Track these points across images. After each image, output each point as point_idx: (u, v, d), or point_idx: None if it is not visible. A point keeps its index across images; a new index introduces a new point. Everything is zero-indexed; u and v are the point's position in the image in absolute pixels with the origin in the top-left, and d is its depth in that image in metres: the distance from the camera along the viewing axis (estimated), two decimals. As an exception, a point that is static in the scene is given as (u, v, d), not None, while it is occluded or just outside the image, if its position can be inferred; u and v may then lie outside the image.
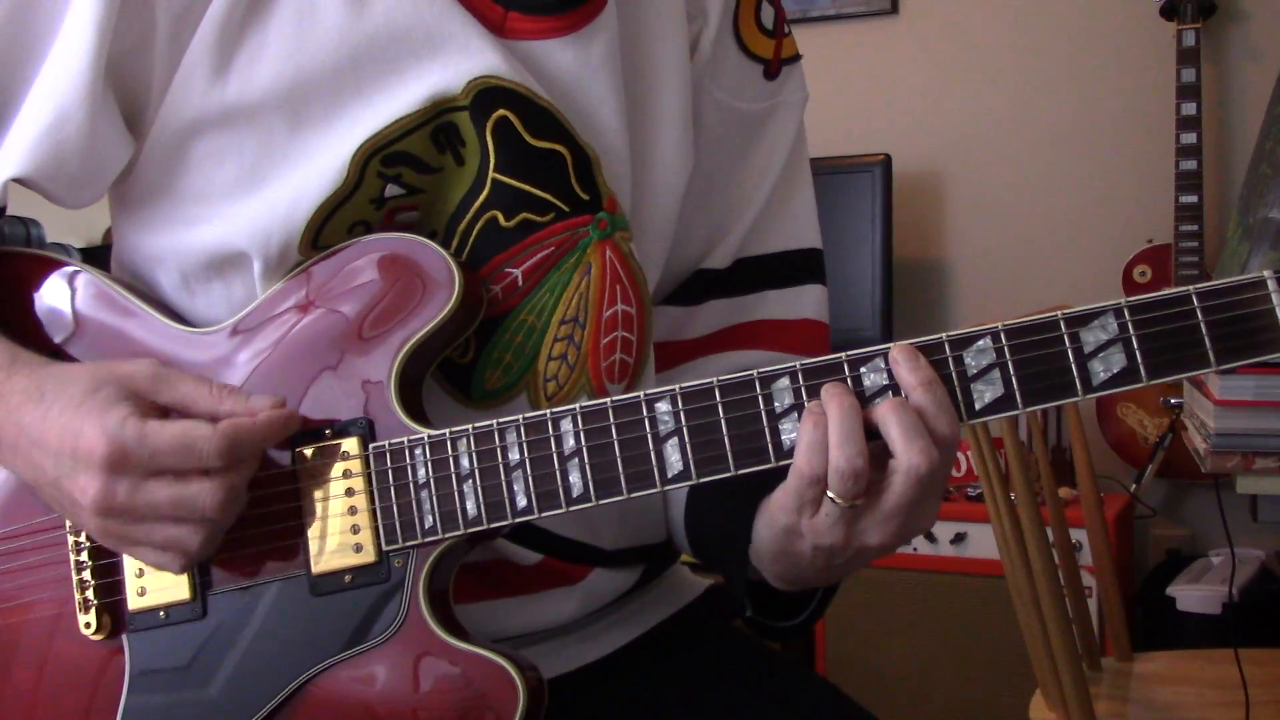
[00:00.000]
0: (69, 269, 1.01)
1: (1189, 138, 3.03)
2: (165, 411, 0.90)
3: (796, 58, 1.18)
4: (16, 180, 0.97)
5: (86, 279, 1.01)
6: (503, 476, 0.90)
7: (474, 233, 0.98)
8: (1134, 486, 3.02)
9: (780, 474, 0.89)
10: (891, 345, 0.86)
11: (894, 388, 0.85)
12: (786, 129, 1.17)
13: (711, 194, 1.14)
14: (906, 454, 0.83)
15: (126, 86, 0.95)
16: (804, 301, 1.17)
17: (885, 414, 0.84)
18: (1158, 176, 3.14)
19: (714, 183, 1.14)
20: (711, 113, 1.13)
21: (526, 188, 0.98)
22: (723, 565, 1.02)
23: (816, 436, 0.84)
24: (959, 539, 2.94)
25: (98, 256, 1.04)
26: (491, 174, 0.98)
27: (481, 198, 0.98)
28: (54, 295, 1.01)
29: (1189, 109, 3.03)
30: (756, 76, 1.15)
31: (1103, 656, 2.24)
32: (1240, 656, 1.99)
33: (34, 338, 0.99)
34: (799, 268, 1.18)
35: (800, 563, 0.90)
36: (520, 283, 0.99)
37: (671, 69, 1.08)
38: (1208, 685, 2.08)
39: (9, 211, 1.01)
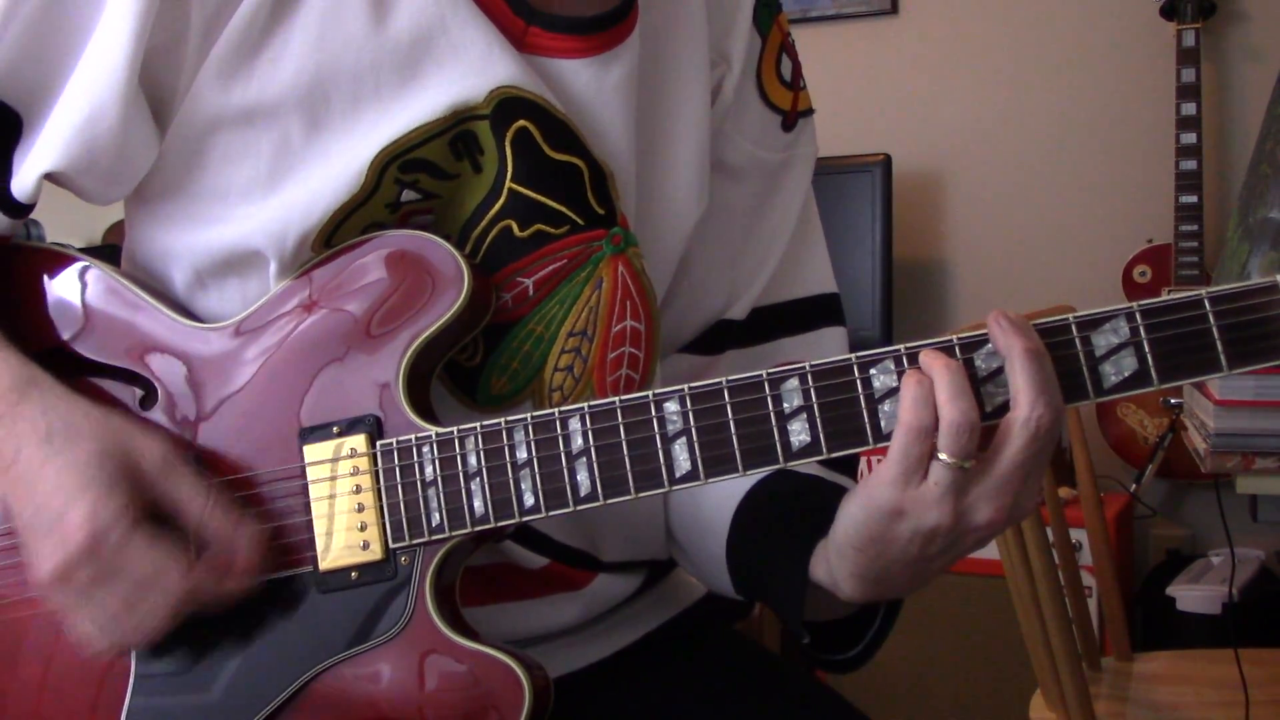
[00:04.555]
0: (77, 263, 1.01)
1: (1189, 138, 3.03)
2: (158, 510, 0.89)
3: (810, 111, 1.19)
4: (48, 176, 0.97)
5: (94, 273, 1.01)
6: (510, 475, 0.90)
7: (487, 240, 0.98)
8: (1134, 486, 3.02)
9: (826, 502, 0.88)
10: (901, 346, 0.86)
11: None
12: (801, 182, 1.18)
13: (733, 246, 1.15)
14: (1033, 405, 0.81)
15: (155, 83, 0.95)
16: (822, 346, 1.16)
17: (1015, 366, 0.82)
18: (1158, 176, 3.14)
19: (736, 233, 1.15)
20: (737, 159, 1.13)
21: (542, 199, 0.98)
22: (776, 593, 0.99)
23: (922, 391, 0.82)
24: (959, 538, 2.93)
25: (97, 257, 1.04)
26: (509, 184, 0.98)
27: (497, 206, 0.98)
28: (63, 289, 1.01)
29: (1189, 109, 3.04)
30: (775, 127, 1.16)
31: (1103, 656, 2.24)
32: (1240, 656, 1.99)
33: (42, 331, 0.99)
34: (815, 312, 1.18)
35: (891, 552, 0.86)
36: (531, 292, 0.99)
37: (689, 110, 1.08)
38: (1208, 685, 2.08)
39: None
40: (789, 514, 0.99)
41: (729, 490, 1.05)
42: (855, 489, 0.88)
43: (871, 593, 0.91)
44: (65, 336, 1.00)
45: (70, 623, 0.90)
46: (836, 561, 0.91)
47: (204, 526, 0.89)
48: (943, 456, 0.82)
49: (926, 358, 0.84)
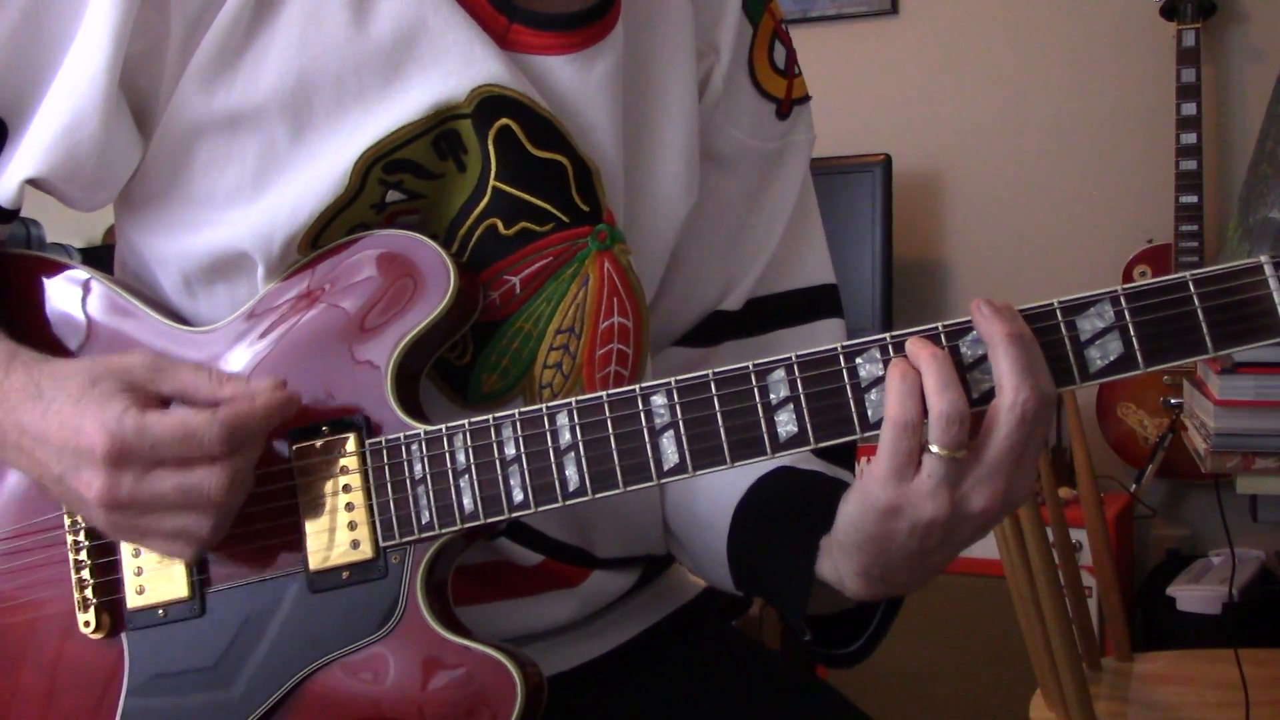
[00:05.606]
0: (68, 270, 1.02)
1: (1189, 138, 3.03)
2: (165, 401, 0.89)
3: (806, 99, 1.18)
4: (31, 182, 0.97)
5: (85, 280, 1.01)
6: (499, 471, 0.90)
7: (474, 238, 0.98)
8: (1134, 486, 3.02)
9: (824, 498, 0.87)
10: (888, 334, 0.85)
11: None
12: (796, 170, 1.17)
13: (728, 237, 1.14)
14: (1017, 390, 0.81)
15: (137, 90, 0.95)
16: (819, 338, 1.15)
17: (999, 353, 0.82)
18: (1158, 176, 3.14)
19: (730, 224, 1.14)
20: (729, 148, 1.13)
21: (526, 197, 0.98)
22: (780, 591, 0.98)
23: (906, 385, 0.82)
24: (959, 539, 2.93)
25: (98, 257, 1.04)
26: (492, 182, 0.97)
27: (481, 205, 0.98)
28: (54, 297, 1.02)
29: (1189, 109, 3.04)
30: (769, 115, 1.15)
31: (1103, 656, 2.24)
32: (1240, 656, 1.99)
33: (35, 339, 0.99)
34: (812, 304, 1.17)
35: (890, 549, 0.86)
36: (518, 290, 0.99)
37: (676, 103, 1.08)
38: (1208, 685, 2.08)
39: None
40: (792, 511, 0.99)
41: (730, 486, 1.05)
42: (851, 488, 0.88)
43: (877, 590, 0.90)
44: (57, 343, 1.00)
45: (153, 543, 0.90)
46: (840, 560, 0.90)
47: (218, 394, 0.89)
48: (934, 448, 0.82)
49: (913, 347, 0.84)
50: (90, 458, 0.86)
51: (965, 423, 0.82)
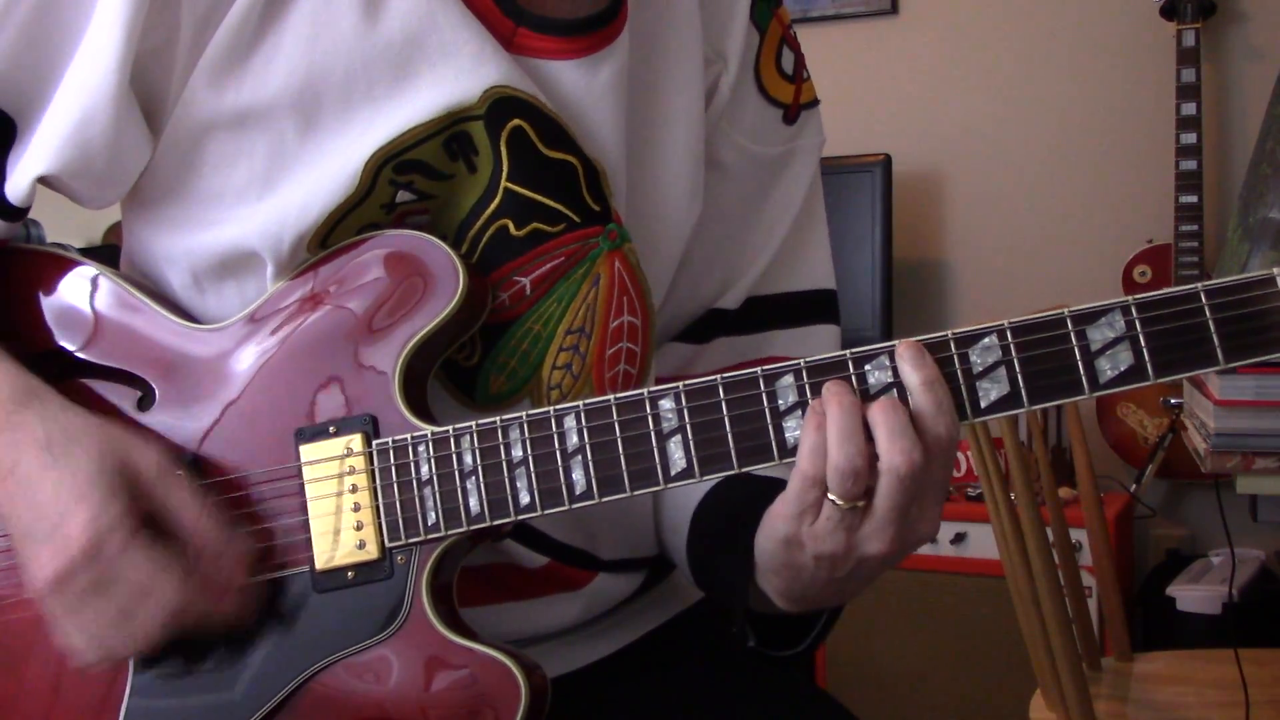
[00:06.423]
0: (75, 265, 1.01)
1: (1189, 138, 3.03)
2: (154, 519, 0.90)
3: (815, 102, 1.18)
4: (41, 180, 0.97)
5: (92, 275, 1.01)
6: (506, 473, 0.90)
7: (484, 240, 0.98)
8: (1134, 486, 3.03)
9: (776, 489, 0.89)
10: (897, 342, 0.86)
11: (898, 386, 0.85)
12: (803, 173, 1.17)
13: (729, 237, 1.14)
14: (888, 454, 0.83)
15: (147, 87, 0.95)
16: (814, 342, 1.16)
17: (874, 413, 0.84)
18: (1158, 176, 3.14)
19: (732, 226, 1.14)
20: (731, 155, 1.13)
21: (538, 198, 0.98)
22: (725, 594, 1.01)
23: (819, 439, 0.84)
24: (959, 539, 2.94)
25: (98, 257, 1.04)
26: (504, 183, 0.97)
27: (493, 206, 0.98)
28: (61, 292, 1.01)
29: (1189, 109, 3.04)
30: (776, 121, 1.15)
31: (1103, 656, 2.24)
32: (1240, 656, 1.99)
33: (41, 334, 0.99)
34: (810, 307, 1.17)
35: (803, 576, 0.89)
36: (528, 291, 0.99)
37: (682, 110, 1.08)
38: (1208, 685, 2.08)
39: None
40: (735, 525, 0.99)
41: (695, 490, 1.06)
42: (762, 521, 0.90)
43: (801, 607, 0.94)
44: (64, 338, 1.00)
45: (62, 632, 0.90)
46: (763, 581, 0.93)
47: (196, 535, 0.89)
48: (831, 497, 0.84)
49: (826, 392, 0.85)
50: (63, 545, 0.87)
51: (860, 477, 0.83)
